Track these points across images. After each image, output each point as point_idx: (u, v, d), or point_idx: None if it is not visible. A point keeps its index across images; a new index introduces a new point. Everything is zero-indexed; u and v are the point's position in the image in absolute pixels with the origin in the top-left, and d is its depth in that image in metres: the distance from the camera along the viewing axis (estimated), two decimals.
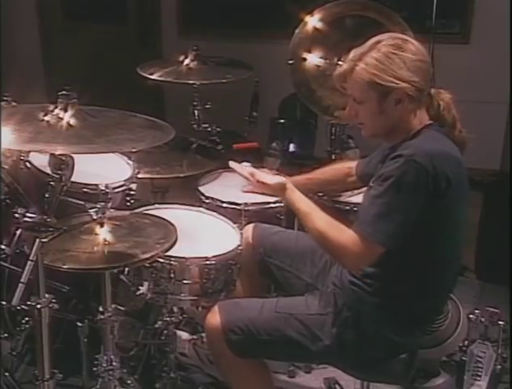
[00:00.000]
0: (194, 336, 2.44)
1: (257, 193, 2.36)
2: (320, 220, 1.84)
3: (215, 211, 2.31)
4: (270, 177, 2.16)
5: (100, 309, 1.95)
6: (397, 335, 1.86)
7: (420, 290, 1.84)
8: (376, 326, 1.85)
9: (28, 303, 1.62)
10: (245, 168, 2.28)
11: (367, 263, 1.78)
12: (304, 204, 1.92)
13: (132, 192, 2.23)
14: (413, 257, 1.77)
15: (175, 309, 2.23)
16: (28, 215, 1.53)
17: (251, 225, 2.26)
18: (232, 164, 2.32)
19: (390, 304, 1.85)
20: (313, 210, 1.88)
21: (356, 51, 1.82)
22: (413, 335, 1.92)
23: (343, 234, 1.76)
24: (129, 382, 2.12)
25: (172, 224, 1.94)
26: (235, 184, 2.45)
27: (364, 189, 2.12)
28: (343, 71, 1.82)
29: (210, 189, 2.48)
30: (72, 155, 1.53)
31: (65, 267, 1.71)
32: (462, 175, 1.76)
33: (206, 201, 2.40)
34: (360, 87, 1.78)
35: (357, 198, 2.32)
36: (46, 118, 1.59)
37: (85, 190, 2.02)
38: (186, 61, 2.82)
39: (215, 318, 1.91)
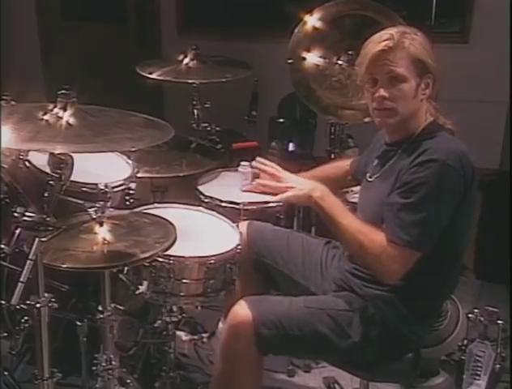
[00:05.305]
0: (195, 337, 2.44)
1: (256, 192, 2.36)
2: (352, 230, 1.82)
3: (214, 211, 2.31)
4: (299, 182, 2.05)
5: (100, 308, 1.95)
6: (411, 332, 1.87)
7: (430, 288, 1.86)
8: (395, 322, 1.85)
9: (28, 302, 1.61)
10: (270, 164, 2.22)
11: (404, 271, 1.77)
12: (334, 213, 1.88)
13: (131, 191, 2.23)
14: (431, 256, 1.78)
15: (174, 308, 2.23)
16: (27, 214, 1.53)
17: (245, 223, 2.24)
18: (256, 162, 2.24)
19: (404, 300, 1.85)
20: (343, 218, 1.85)
21: (392, 30, 1.82)
22: (423, 331, 1.94)
23: (376, 245, 1.77)
24: (128, 381, 2.12)
25: (171, 224, 1.94)
26: (234, 183, 2.45)
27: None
28: (393, 45, 1.77)
29: (209, 188, 2.48)
30: (71, 154, 1.53)
31: (64, 266, 1.71)
32: (476, 174, 1.78)
33: (206, 200, 2.39)
34: (407, 63, 1.78)
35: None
36: (45, 117, 1.58)
37: (84, 189, 2.02)
38: (186, 61, 2.82)
39: (244, 311, 1.85)
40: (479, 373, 2.37)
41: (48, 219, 1.53)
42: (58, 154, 1.51)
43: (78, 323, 2.15)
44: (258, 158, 2.21)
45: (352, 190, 2.40)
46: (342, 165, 2.32)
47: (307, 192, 1.94)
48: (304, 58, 2.75)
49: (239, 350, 1.87)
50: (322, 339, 1.86)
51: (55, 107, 1.60)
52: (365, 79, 1.85)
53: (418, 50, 1.79)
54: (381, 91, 1.80)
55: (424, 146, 1.77)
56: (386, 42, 1.78)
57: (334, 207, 1.88)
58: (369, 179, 1.99)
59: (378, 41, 1.80)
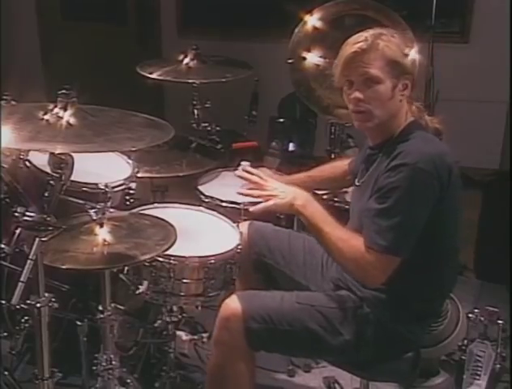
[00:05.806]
0: (195, 337, 2.44)
1: (253, 196, 2.36)
2: (333, 237, 1.81)
3: (214, 211, 2.31)
4: (281, 191, 1.94)
5: (100, 308, 1.95)
6: (409, 332, 1.87)
7: (427, 288, 1.85)
8: (392, 322, 1.85)
9: (28, 302, 1.62)
10: (255, 173, 2.10)
11: (385, 276, 1.77)
12: (316, 220, 1.85)
13: (131, 191, 2.23)
14: (416, 258, 1.77)
15: (174, 308, 2.23)
16: (28, 214, 1.53)
17: (246, 223, 2.24)
18: (240, 172, 2.13)
19: (402, 301, 1.85)
20: (324, 225, 1.83)
21: (367, 32, 1.81)
22: (422, 331, 1.94)
23: (356, 251, 1.76)
24: (128, 381, 2.12)
25: (171, 226, 1.94)
26: (235, 183, 2.44)
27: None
28: (367, 46, 1.77)
29: (209, 188, 2.48)
30: (72, 154, 1.53)
31: (64, 267, 1.71)
32: (457, 173, 1.78)
33: (206, 200, 2.40)
34: (381, 64, 1.77)
35: None
36: (46, 117, 1.59)
37: (85, 189, 2.02)
38: (186, 61, 2.82)
39: (235, 304, 1.85)
40: (479, 373, 2.36)
41: (48, 219, 1.53)
42: (59, 154, 1.51)
43: (79, 323, 2.14)
44: (242, 166, 2.13)
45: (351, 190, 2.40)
46: (341, 165, 2.32)
47: (289, 200, 1.90)
48: (304, 58, 2.75)
49: (229, 343, 1.87)
50: (313, 336, 1.86)
51: (55, 107, 1.60)
52: (342, 81, 1.85)
53: (393, 52, 1.78)
54: (356, 93, 1.81)
55: (399, 149, 1.77)
56: (360, 44, 1.78)
57: (316, 215, 1.86)
58: (357, 183, 1.99)
59: (353, 43, 1.81)
